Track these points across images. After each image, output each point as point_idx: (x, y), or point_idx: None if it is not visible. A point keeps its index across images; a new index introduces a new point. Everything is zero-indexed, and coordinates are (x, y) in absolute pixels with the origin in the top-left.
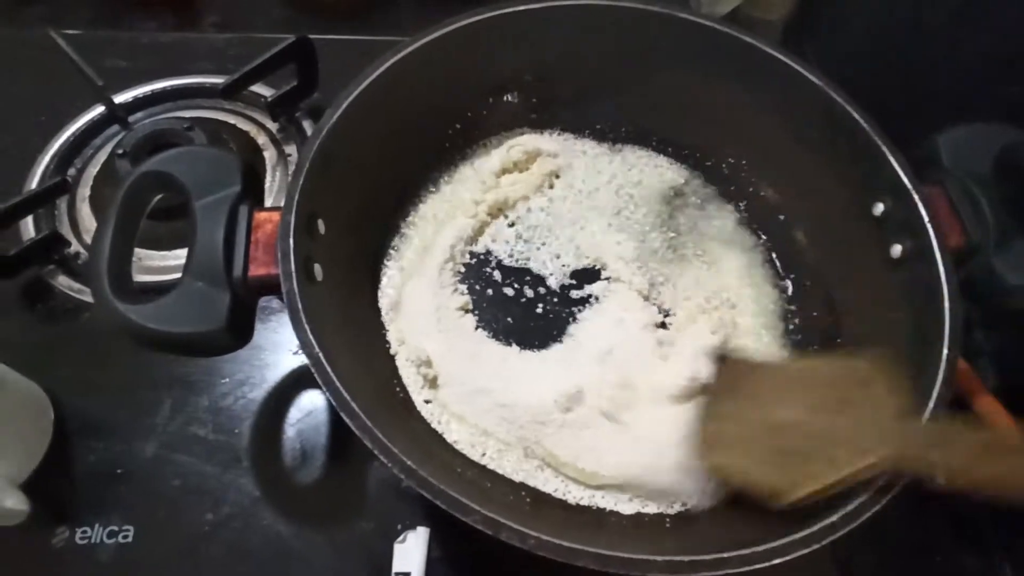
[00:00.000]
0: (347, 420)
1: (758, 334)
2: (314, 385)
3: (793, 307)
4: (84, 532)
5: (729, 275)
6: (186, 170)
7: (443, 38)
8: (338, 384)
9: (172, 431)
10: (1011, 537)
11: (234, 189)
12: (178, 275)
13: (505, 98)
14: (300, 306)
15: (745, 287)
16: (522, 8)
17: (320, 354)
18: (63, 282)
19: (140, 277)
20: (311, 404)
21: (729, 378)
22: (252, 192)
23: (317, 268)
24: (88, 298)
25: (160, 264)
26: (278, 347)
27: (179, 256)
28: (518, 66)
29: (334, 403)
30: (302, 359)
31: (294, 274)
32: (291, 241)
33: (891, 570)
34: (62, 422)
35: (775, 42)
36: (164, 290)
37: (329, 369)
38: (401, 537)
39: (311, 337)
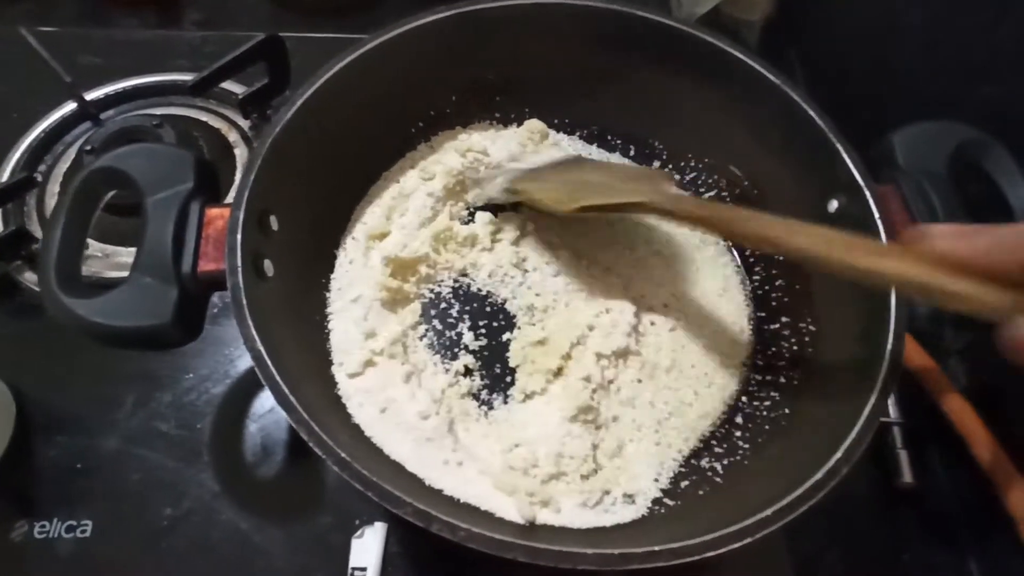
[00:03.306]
0: (284, 412)
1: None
2: None
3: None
4: (43, 526)
5: (693, 274)
6: (139, 166)
7: (405, 35)
8: (278, 378)
9: (134, 426)
10: (979, 534)
11: (187, 186)
12: None
13: (469, 96)
14: (244, 301)
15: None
16: (486, 6)
17: (262, 349)
18: (29, 278)
19: (109, 273)
20: (273, 400)
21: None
22: (206, 188)
23: (268, 264)
24: None
25: (128, 260)
26: (242, 343)
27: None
28: (483, 65)
29: (272, 396)
30: None
31: (240, 269)
32: (239, 237)
33: (856, 568)
34: (24, 416)
35: (741, 43)
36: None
37: (270, 363)
38: (359, 532)
39: (253, 332)
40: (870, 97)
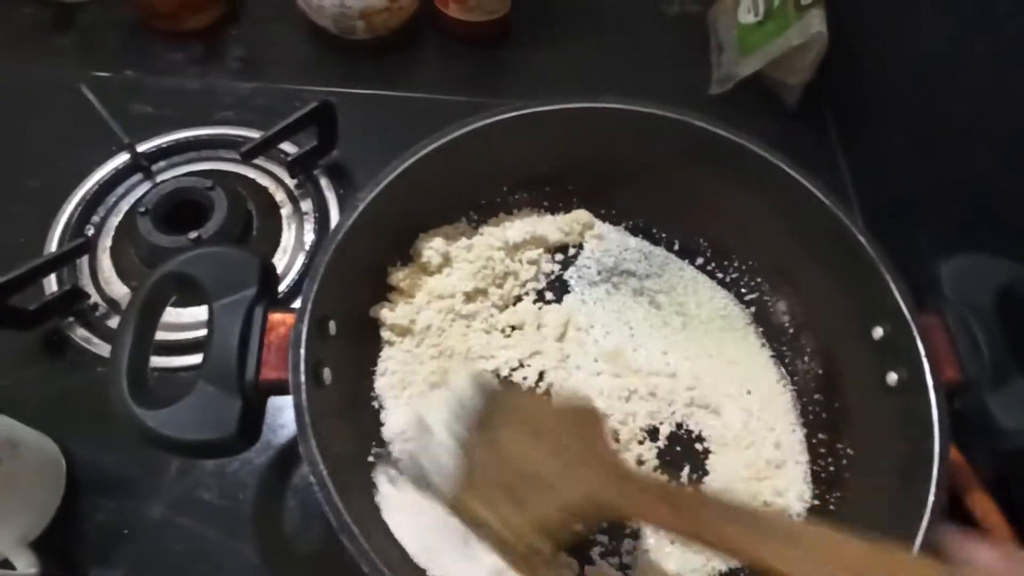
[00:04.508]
0: (347, 544)
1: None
2: None
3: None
4: None
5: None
6: (206, 271)
7: (465, 136)
8: (340, 507)
9: (178, 493)
10: None
11: (251, 291)
12: (197, 333)
13: (520, 187)
14: (308, 421)
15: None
16: (543, 109)
17: (324, 472)
18: (81, 334)
19: (163, 335)
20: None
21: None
22: (269, 292)
23: (327, 372)
24: (103, 351)
25: (178, 321)
26: (283, 412)
27: (199, 313)
28: (536, 161)
29: (334, 524)
30: None
31: (304, 385)
32: (303, 351)
33: None
34: (74, 477)
35: (781, 102)
36: (181, 386)
37: (332, 489)
38: None
39: (317, 456)
40: (903, 165)
